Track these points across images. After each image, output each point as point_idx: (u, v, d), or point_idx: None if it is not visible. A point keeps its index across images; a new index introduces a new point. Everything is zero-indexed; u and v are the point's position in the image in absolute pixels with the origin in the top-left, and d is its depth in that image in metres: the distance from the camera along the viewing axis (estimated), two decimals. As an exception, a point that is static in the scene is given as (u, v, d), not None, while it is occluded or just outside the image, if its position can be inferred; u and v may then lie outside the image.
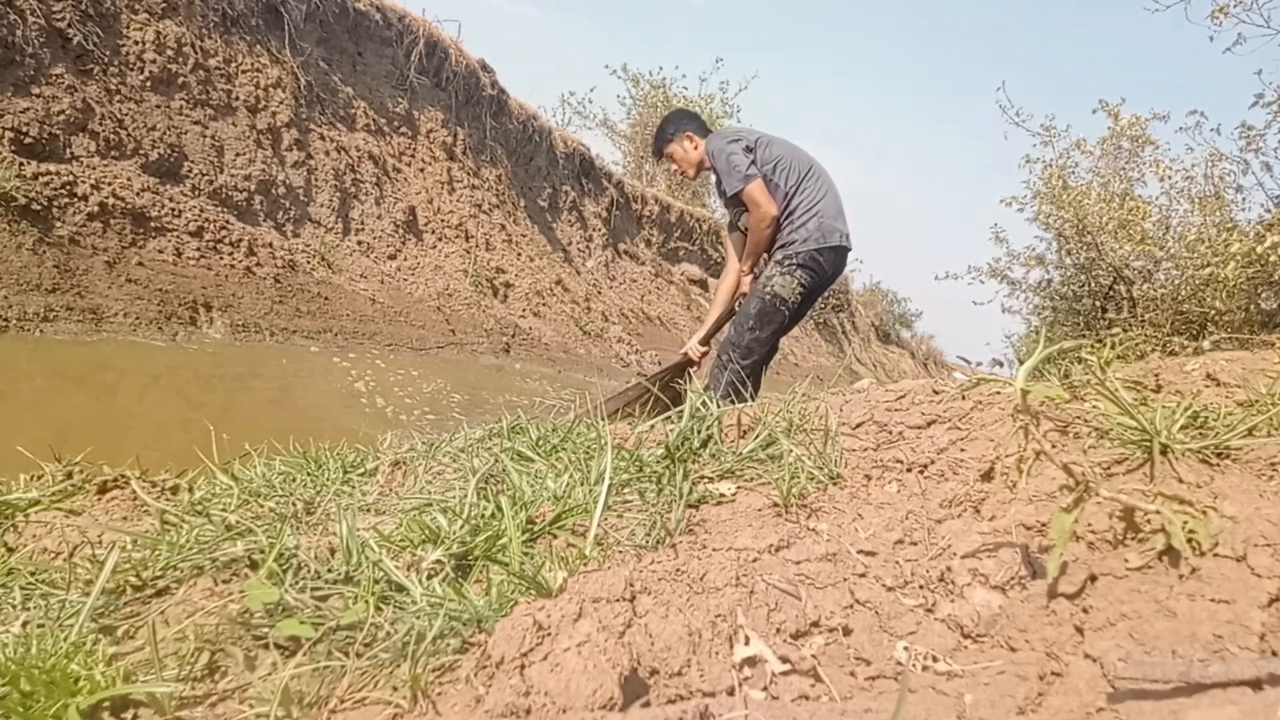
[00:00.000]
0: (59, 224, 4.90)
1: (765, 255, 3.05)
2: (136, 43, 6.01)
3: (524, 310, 9.13)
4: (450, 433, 1.74)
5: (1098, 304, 7.59)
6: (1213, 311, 5.66)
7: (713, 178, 3.19)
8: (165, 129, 6.03)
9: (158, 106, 6.08)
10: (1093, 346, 1.43)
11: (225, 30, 6.85)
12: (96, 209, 5.17)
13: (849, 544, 0.94)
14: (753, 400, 2.87)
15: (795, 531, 0.97)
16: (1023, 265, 8.33)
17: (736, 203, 3.01)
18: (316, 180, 7.44)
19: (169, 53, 6.23)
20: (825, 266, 2.96)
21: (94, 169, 5.33)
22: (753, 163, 2.93)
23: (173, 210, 5.76)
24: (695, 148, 3.14)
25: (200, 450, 1.57)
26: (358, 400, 4.67)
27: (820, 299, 3.41)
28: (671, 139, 3.18)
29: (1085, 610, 0.72)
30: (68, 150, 5.25)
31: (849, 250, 3.03)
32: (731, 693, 0.69)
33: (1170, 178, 6.70)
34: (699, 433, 1.35)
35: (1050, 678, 0.66)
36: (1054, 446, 1.05)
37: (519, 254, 9.74)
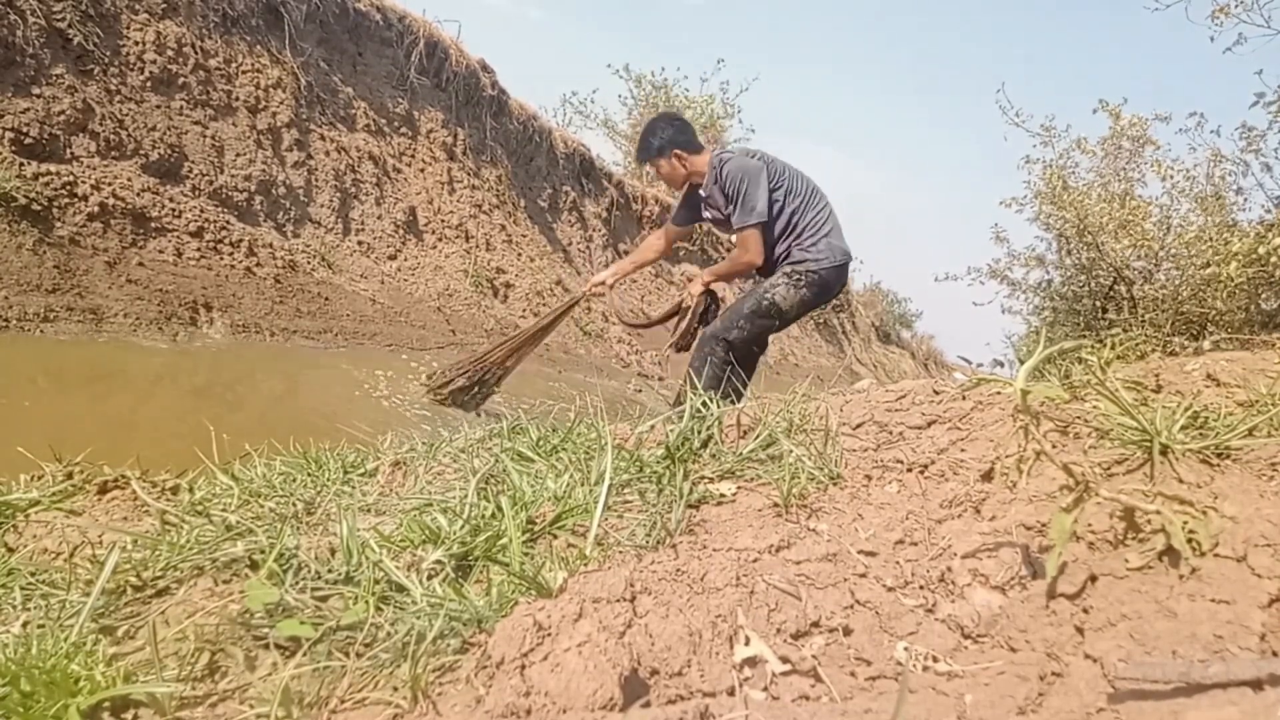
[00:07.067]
0: (59, 224, 4.90)
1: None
2: (137, 43, 6.02)
3: (524, 310, 9.13)
4: (451, 432, 1.74)
5: (1098, 304, 7.59)
6: (1213, 311, 5.66)
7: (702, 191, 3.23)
8: (165, 129, 6.03)
9: (158, 107, 6.08)
10: (1093, 347, 1.43)
11: (225, 30, 6.85)
12: (97, 209, 5.17)
13: (849, 544, 0.94)
14: (742, 390, 2.93)
15: (795, 532, 0.97)
16: (1023, 266, 8.34)
17: (727, 225, 3.12)
18: (317, 180, 7.44)
19: (169, 53, 6.23)
20: (831, 284, 3.08)
21: (94, 169, 5.33)
22: (769, 203, 2.99)
23: (173, 210, 5.76)
24: (684, 165, 3.15)
25: (200, 450, 1.57)
26: (358, 400, 4.67)
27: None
28: (659, 153, 3.17)
29: (1085, 610, 0.72)
30: (68, 150, 5.25)
31: (849, 264, 3.17)
32: (732, 693, 0.69)
33: (1171, 178, 6.70)
34: (699, 433, 1.35)
35: (1050, 678, 0.66)
36: (1054, 447, 1.05)
37: (519, 254, 9.74)
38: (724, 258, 3.29)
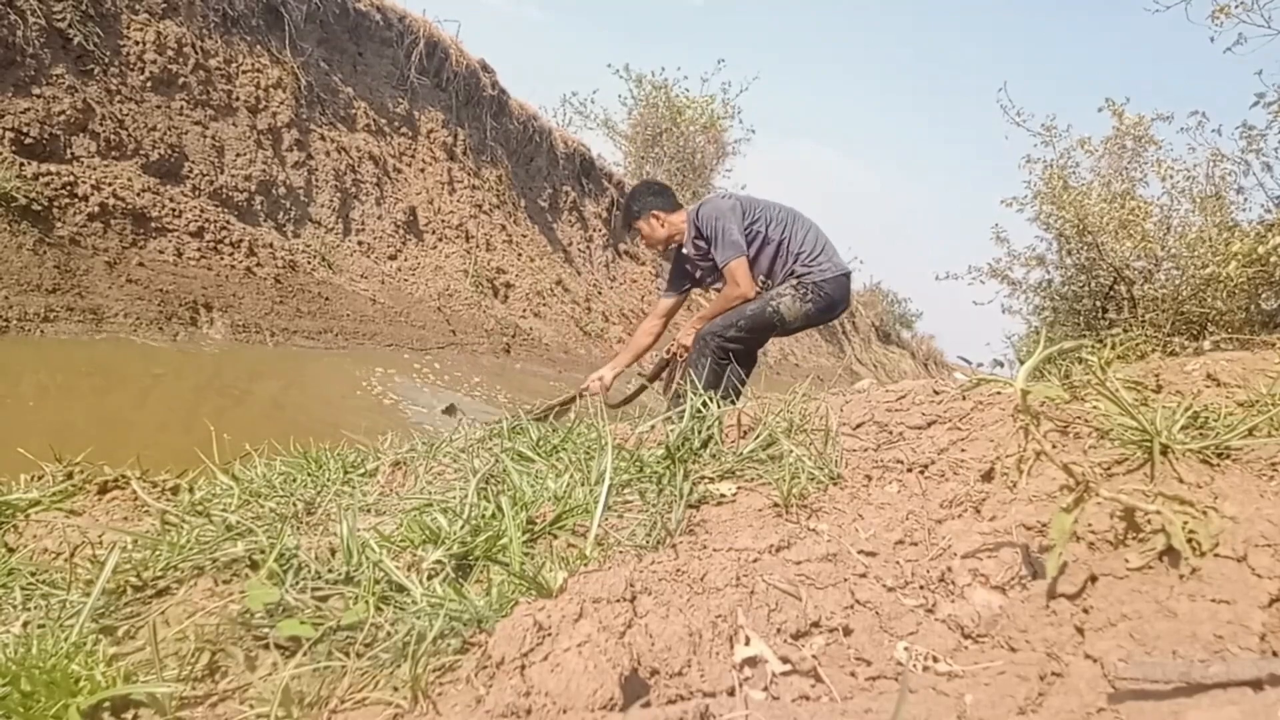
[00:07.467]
0: (59, 224, 4.90)
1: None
2: (137, 43, 6.02)
3: (524, 310, 9.14)
4: (450, 432, 1.74)
5: (1098, 304, 7.59)
6: (1213, 311, 5.66)
7: (685, 247, 3.30)
8: (165, 129, 6.03)
9: (158, 107, 6.08)
10: (1093, 347, 1.43)
11: (225, 30, 6.85)
12: (97, 209, 5.17)
13: (849, 544, 0.94)
14: (741, 387, 2.96)
15: (796, 532, 0.97)
16: (1023, 265, 8.34)
17: (717, 272, 3.17)
18: (317, 180, 7.44)
19: (169, 53, 6.23)
20: (835, 301, 3.17)
21: (94, 169, 5.33)
22: (744, 233, 3.08)
23: (173, 210, 5.76)
24: (662, 225, 3.28)
25: (201, 450, 1.57)
26: (358, 400, 4.67)
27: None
28: (638, 216, 3.32)
29: (1085, 610, 0.72)
30: (68, 150, 5.25)
31: (849, 278, 3.26)
32: (732, 693, 0.69)
33: (1172, 177, 6.70)
34: (699, 433, 1.35)
35: (1051, 678, 0.66)
36: (1054, 446, 1.05)
37: (519, 254, 9.75)
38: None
